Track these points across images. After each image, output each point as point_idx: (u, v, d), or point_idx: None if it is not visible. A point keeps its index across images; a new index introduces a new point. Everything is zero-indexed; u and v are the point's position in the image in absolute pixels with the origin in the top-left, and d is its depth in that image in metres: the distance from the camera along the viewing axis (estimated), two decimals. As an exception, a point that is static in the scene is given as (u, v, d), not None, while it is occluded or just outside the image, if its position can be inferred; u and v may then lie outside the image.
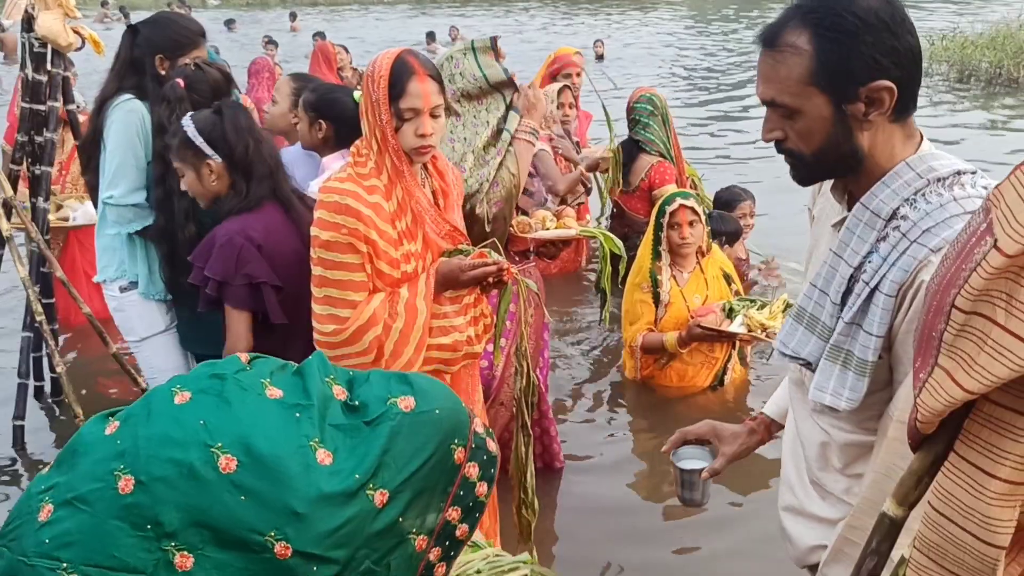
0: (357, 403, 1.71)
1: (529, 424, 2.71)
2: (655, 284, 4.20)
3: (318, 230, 2.28)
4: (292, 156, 3.44)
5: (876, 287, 1.45)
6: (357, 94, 3.40)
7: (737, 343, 4.24)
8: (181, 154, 2.70)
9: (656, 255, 4.24)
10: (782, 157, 1.57)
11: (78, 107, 4.31)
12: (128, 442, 1.57)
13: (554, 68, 5.82)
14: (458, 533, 1.74)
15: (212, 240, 2.59)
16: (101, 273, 3.23)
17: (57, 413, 4.29)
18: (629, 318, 4.32)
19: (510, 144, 2.97)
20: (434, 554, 1.72)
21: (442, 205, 2.46)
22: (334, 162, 3.08)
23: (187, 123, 2.68)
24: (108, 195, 3.12)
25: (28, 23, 3.59)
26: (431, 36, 18.86)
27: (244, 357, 1.79)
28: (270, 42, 15.62)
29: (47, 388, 4.35)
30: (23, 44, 3.66)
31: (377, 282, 2.33)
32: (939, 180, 1.46)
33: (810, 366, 1.60)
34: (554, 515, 3.41)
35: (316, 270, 2.30)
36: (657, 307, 4.23)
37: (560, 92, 5.33)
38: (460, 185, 2.61)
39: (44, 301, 3.86)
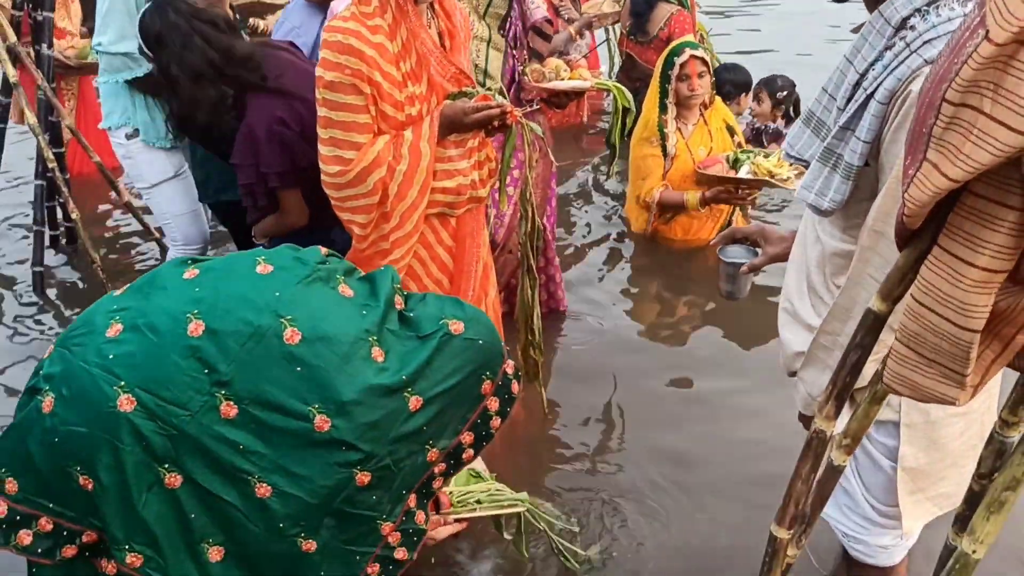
0: (412, 315, 1.83)
1: (535, 268, 2.78)
2: (663, 137, 4.19)
3: (322, 70, 2.27)
4: (295, 13, 3.36)
5: (872, 94, 1.47)
6: None
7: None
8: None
9: (663, 108, 4.21)
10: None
11: None
12: (207, 292, 1.67)
13: None
14: (464, 456, 1.89)
15: (253, 136, 2.62)
16: (106, 120, 3.23)
17: (74, 260, 4.39)
18: (640, 173, 4.32)
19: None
20: (439, 468, 1.87)
21: (448, 47, 2.44)
22: (342, 3, 3.02)
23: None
24: (97, 42, 3.10)
25: None
26: None
27: (324, 250, 1.88)
28: None
29: (62, 239, 4.44)
30: None
31: (381, 124, 2.34)
32: None
33: None
34: (557, 356, 3.53)
35: (321, 111, 2.30)
36: (664, 160, 4.23)
37: None
38: (467, 27, 2.58)
39: (54, 150, 3.87)
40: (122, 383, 1.59)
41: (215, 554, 1.65)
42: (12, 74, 3.70)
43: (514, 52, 3.29)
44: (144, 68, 3.13)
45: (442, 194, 2.46)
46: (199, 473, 1.62)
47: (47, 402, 1.61)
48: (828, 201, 1.56)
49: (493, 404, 1.90)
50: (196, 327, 1.62)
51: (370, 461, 1.70)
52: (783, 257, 2.00)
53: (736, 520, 2.60)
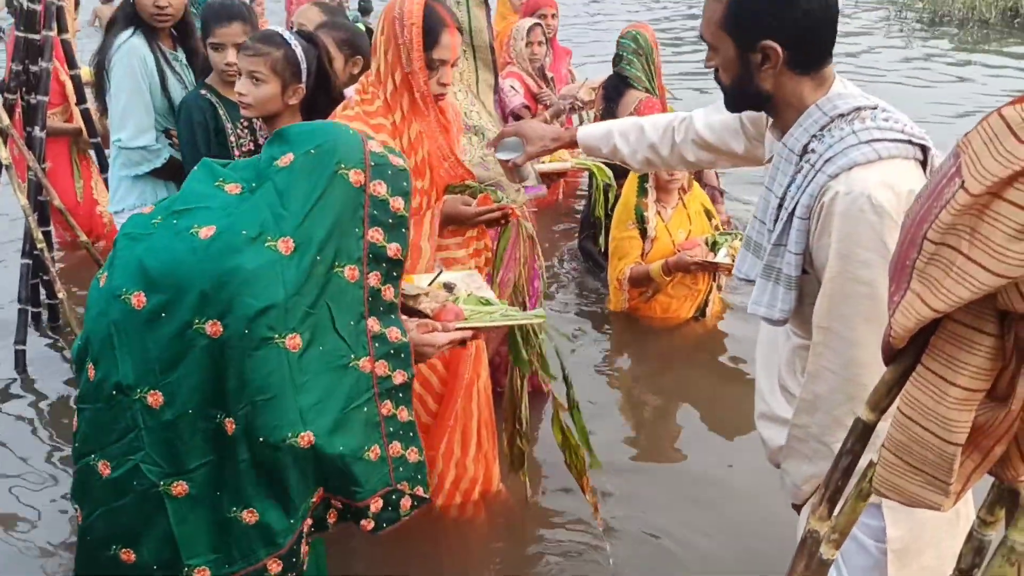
0: (253, 185, 1.75)
1: (526, 356, 2.86)
2: (641, 220, 4.34)
3: (326, 167, 2.38)
4: None
5: (792, 211, 1.69)
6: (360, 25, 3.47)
7: (718, 275, 4.42)
8: (278, 65, 2.64)
9: (642, 191, 4.37)
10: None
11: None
12: (84, 335, 1.75)
13: (529, 4, 5.94)
14: (390, 253, 1.75)
15: None
16: (118, 203, 3.31)
17: (56, 339, 4.39)
18: (618, 254, 4.46)
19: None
20: (374, 278, 1.75)
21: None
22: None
23: (293, 42, 2.66)
24: (116, 138, 3.21)
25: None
26: None
27: (147, 209, 1.88)
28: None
29: (44, 316, 4.46)
30: None
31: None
32: (841, 116, 1.68)
33: None
34: (540, 438, 3.55)
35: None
36: (644, 241, 4.37)
37: (530, 30, 5.45)
38: (459, 121, 2.73)
39: (42, 229, 3.92)
40: (92, 456, 1.69)
41: (249, 516, 1.67)
42: (5, 156, 3.77)
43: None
44: (163, 157, 3.24)
45: (440, 283, 2.55)
46: (188, 460, 1.65)
47: (79, 516, 1.73)
48: (778, 311, 1.75)
49: (379, 188, 1.75)
50: (91, 370, 1.70)
51: (282, 320, 1.64)
52: (540, 154, 2.45)
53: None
